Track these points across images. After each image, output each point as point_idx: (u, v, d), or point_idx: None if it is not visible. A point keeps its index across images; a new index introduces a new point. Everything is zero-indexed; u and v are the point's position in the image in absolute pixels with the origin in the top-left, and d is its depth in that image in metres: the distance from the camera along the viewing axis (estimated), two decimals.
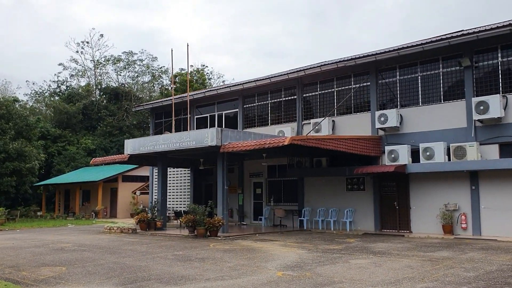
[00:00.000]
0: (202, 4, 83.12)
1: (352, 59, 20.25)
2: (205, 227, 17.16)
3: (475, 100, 17.17)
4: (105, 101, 57.08)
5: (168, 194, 28.78)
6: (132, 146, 20.93)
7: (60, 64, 62.05)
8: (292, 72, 22.35)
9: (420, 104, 19.23)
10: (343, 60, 20.58)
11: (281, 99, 24.01)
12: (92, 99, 55.82)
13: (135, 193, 34.68)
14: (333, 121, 21.54)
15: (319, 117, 21.79)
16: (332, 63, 20.92)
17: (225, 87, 25.94)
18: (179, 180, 28.66)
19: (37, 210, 38.02)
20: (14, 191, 36.35)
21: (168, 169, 28.71)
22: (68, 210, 39.57)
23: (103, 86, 58.51)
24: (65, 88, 59.60)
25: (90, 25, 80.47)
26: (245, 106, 25.52)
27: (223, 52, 76.36)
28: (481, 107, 16.93)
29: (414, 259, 11.39)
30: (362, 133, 20.02)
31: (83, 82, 59.93)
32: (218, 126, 25.04)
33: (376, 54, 19.53)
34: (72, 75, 59.88)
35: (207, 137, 17.77)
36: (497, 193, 17.02)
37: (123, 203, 35.58)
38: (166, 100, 28.60)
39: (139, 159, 22.61)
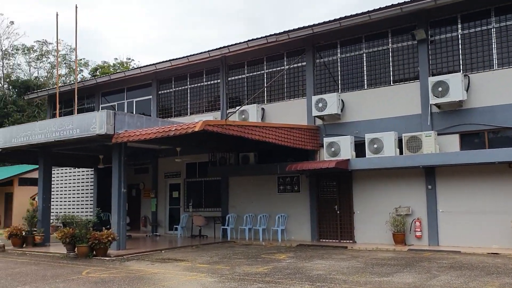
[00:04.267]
0: (139, 5, 77.57)
1: (284, 32, 16.62)
2: (89, 244, 12.73)
3: (432, 80, 14.05)
4: (14, 95, 50.47)
5: (67, 200, 23.98)
6: (3, 137, 16.03)
7: None
8: (214, 50, 18.38)
9: (366, 87, 15.92)
10: (274, 34, 16.90)
11: (202, 84, 19.98)
12: None
13: (34, 199, 29.18)
14: (263, 108, 17.80)
15: (247, 105, 17.96)
16: (262, 37, 17.18)
17: (135, 69, 21.51)
18: (82, 183, 23.80)
19: None
20: None
21: (68, 170, 23.94)
22: None
23: (12, 79, 51.73)
24: None
25: (16, 22, 71.56)
26: (159, 92, 21.25)
27: (158, 53, 71.32)
28: (439, 89, 13.81)
29: None
30: (297, 123, 16.42)
31: None
32: None
33: (314, 26, 16.01)
34: None
35: (95, 123, 13.39)
36: (458, 194, 13.98)
37: (21, 210, 29.88)
38: (64, 86, 23.71)
39: (16, 155, 17.65)
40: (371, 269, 10.07)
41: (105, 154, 18.63)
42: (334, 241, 15.84)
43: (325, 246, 14.97)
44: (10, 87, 51.49)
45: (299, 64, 17.29)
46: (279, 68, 17.79)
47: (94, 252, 12.89)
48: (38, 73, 54.28)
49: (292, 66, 17.40)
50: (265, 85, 17.96)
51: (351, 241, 15.56)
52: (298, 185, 16.97)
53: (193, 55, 19.01)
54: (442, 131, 14.17)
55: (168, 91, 21.01)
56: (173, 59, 19.60)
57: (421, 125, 14.49)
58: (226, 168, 18.20)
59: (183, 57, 19.29)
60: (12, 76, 52.49)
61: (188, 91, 20.36)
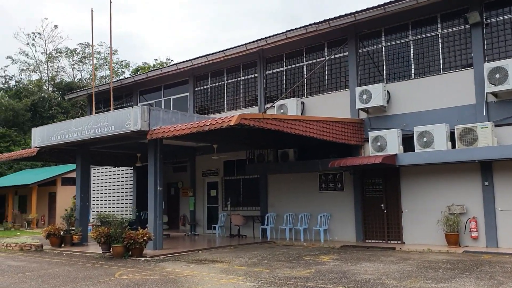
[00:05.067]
0: (176, 8, 78.44)
1: (325, 21, 15.76)
2: (124, 243, 12.33)
3: (487, 66, 12.85)
4: (59, 98, 51.78)
5: (108, 198, 23.96)
6: (40, 136, 15.96)
7: (8, 57, 55.91)
8: (251, 43, 17.73)
9: (413, 77, 14.84)
10: (314, 24, 16.07)
11: (239, 79, 19.37)
12: (43, 95, 50.39)
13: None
14: (303, 102, 17.00)
15: (286, 99, 17.21)
16: (301, 27, 16.38)
17: (171, 65, 21.16)
18: (122, 182, 23.72)
19: None
20: None
21: (109, 168, 23.93)
22: (3, 218, 34.14)
23: (56, 81, 53.08)
24: (14, 84, 53.90)
25: (61, 27, 73.85)
26: (196, 89, 20.80)
27: (196, 55, 71.91)
28: (497, 76, 12.61)
29: None
30: (339, 116, 15.51)
31: (35, 77, 54.38)
32: None
33: (356, 13, 15.07)
34: (22, 70, 54.25)
35: (129, 119, 13.00)
36: None
37: (63, 210, 30.24)
38: (103, 85, 23.69)
39: (53, 154, 17.53)
40: (425, 274, 9.11)
41: (142, 152, 18.37)
42: (381, 241, 14.86)
43: (371, 247, 14.02)
44: (55, 89, 52.85)
45: (341, 55, 16.37)
46: (319, 60, 16.94)
47: (130, 252, 12.49)
48: (81, 75, 55.55)
49: (333, 56, 16.50)
50: (305, 78, 17.14)
51: (399, 242, 14.53)
52: (342, 182, 16.07)
53: (230, 49, 18.43)
54: (500, 122, 12.94)
55: (204, 87, 20.54)
56: (209, 54, 19.10)
57: (476, 116, 13.30)
58: (264, 166, 17.50)
59: (219, 52, 18.76)
60: (56, 78, 53.87)
61: (225, 86, 19.80)
